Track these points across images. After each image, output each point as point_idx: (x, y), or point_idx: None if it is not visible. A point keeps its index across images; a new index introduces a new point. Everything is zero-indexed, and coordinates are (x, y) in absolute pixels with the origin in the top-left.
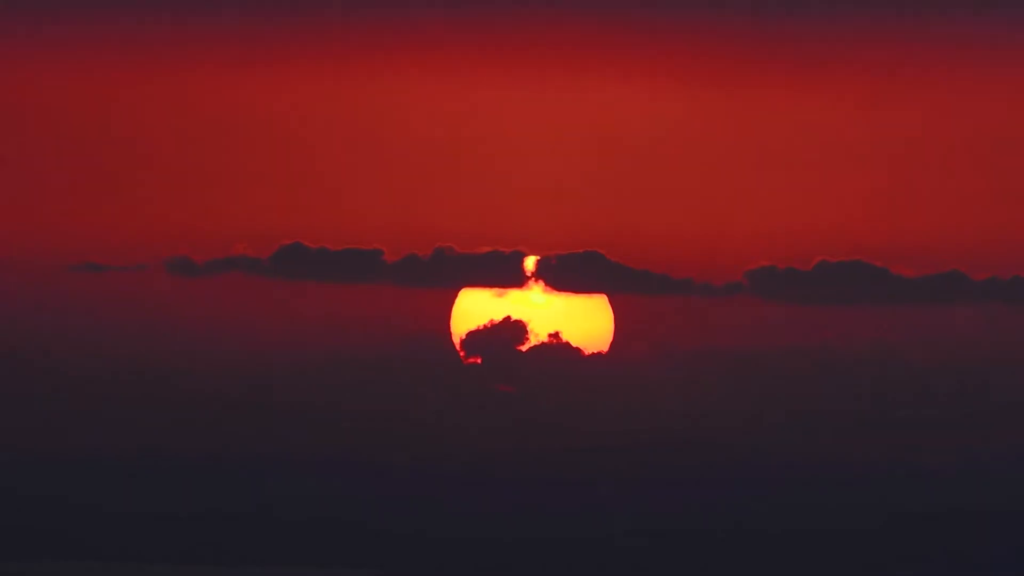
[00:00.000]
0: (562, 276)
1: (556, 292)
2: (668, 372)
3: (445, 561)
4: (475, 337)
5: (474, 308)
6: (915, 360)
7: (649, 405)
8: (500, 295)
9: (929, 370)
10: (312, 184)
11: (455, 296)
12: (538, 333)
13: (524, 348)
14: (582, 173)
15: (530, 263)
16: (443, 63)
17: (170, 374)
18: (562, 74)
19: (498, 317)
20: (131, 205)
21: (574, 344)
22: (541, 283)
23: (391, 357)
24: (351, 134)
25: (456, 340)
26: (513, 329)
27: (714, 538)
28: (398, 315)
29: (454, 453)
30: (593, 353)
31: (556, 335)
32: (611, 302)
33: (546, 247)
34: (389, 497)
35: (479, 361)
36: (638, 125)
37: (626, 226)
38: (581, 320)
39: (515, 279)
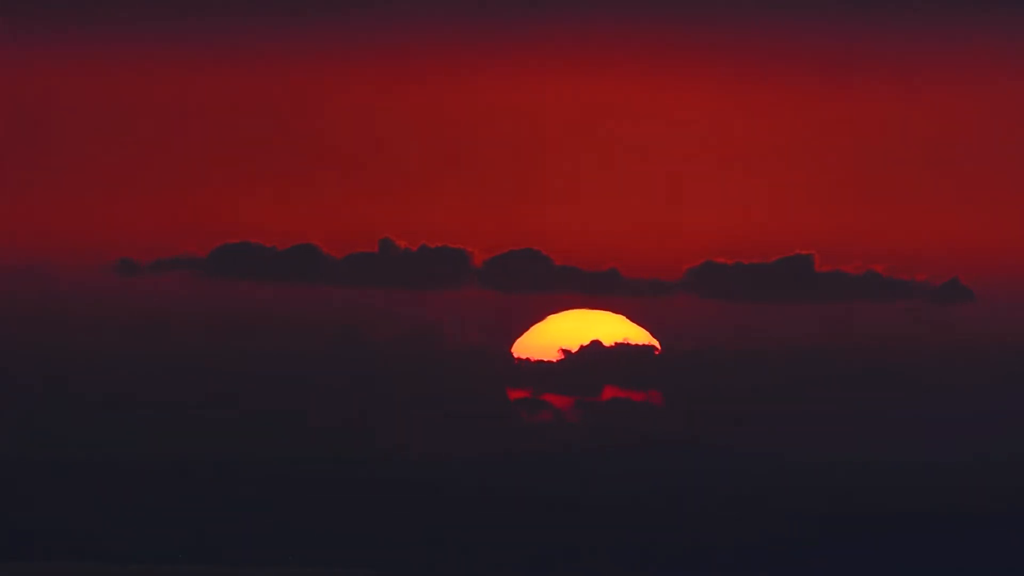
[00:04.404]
0: (503, 275)
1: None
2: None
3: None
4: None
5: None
6: (856, 358)
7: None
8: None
9: (869, 367)
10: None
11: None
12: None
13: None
14: (532, 173)
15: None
16: (391, 53)
17: (119, 375)
18: (517, 72)
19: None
20: (75, 206)
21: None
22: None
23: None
24: (303, 130)
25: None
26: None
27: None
28: (347, 314)
29: (436, 453)
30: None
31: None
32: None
33: (489, 247)
34: (378, 497)
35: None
36: (594, 124)
37: (566, 223)
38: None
39: (461, 278)
